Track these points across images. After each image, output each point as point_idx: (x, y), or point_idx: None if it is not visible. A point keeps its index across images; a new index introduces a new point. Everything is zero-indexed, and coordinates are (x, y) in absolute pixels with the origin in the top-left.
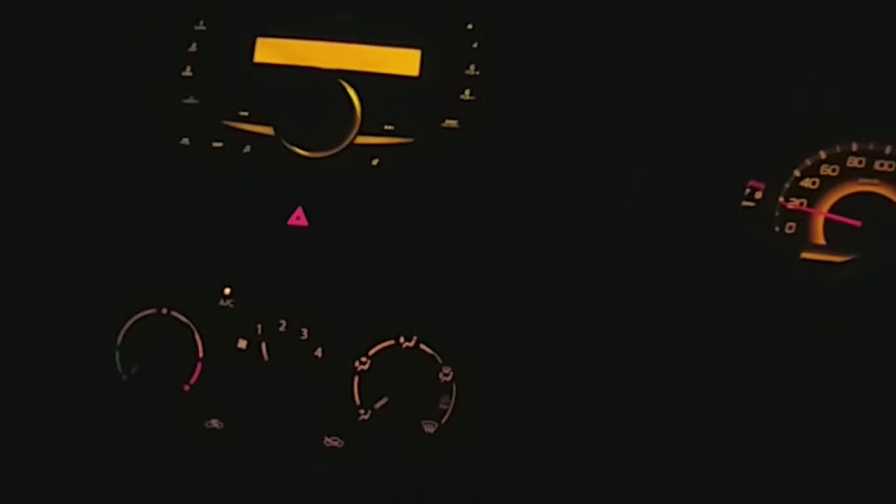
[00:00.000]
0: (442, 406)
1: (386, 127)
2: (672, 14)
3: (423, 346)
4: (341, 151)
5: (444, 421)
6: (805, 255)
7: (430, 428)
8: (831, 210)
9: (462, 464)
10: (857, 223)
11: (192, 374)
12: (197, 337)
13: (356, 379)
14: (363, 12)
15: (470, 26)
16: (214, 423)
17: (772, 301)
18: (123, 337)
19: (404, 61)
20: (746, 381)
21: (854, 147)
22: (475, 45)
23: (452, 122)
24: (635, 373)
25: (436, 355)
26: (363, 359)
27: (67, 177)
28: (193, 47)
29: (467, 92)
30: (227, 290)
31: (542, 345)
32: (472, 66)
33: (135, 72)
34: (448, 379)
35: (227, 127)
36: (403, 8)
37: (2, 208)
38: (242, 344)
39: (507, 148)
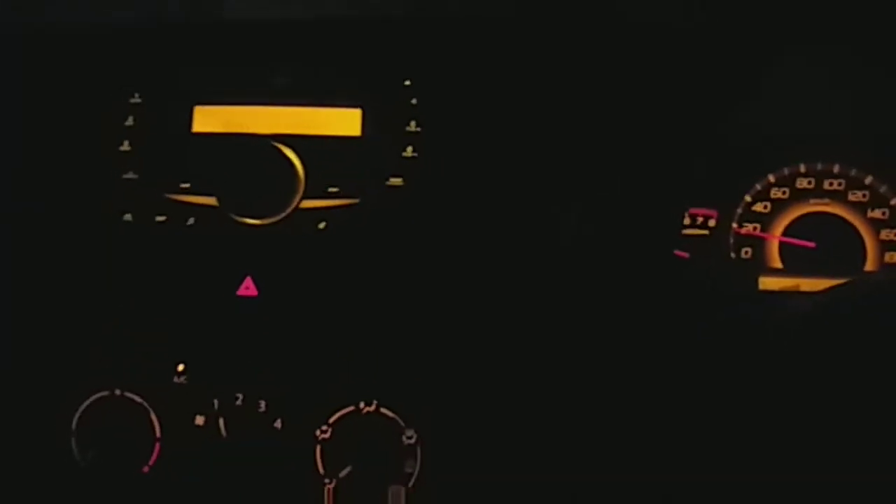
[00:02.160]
0: (407, 469)
1: (330, 189)
2: (611, 49)
3: (383, 410)
4: (287, 217)
5: (410, 484)
6: (763, 280)
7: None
8: (785, 232)
9: None
10: (812, 244)
11: (150, 455)
12: (153, 416)
13: (318, 448)
14: (300, 74)
15: (408, 83)
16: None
17: (731, 329)
18: (78, 421)
19: (345, 121)
20: (713, 408)
21: (802, 168)
22: (414, 101)
23: (397, 180)
24: (600, 424)
25: (397, 418)
26: (324, 427)
27: (11, 260)
28: (130, 121)
29: (409, 149)
30: (181, 367)
31: (503, 401)
32: (413, 123)
33: (72, 149)
34: (412, 441)
35: (170, 200)
36: (341, 68)
37: None
38: (200, 420)
39: (453, 203)
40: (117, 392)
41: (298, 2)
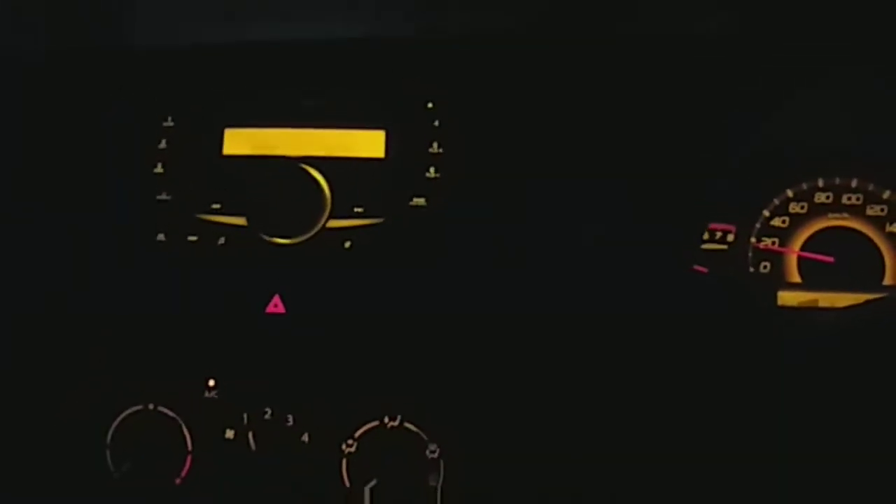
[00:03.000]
0: (431, 483)
1: (356, 209)
2: (631, 67)
3: (407, 425)
4: (314, 236)
5: (435, 498)
6: (782, 294)
7: None
8: (804, 247)
9: None
10: (830, 259)
11: (182, 467)
12: (185, 430)
13: (344, 462)
14: (327, 97)
15: (430, 105)
16: None
17: (750, 343)
18: (113, 435)
19: (369, 143)
20: (731, 424)
21: (820, 183)
22: (436, 123)
23: (420, 201)
24: (621, 432)
25: (421, 433)
26: (350, 441)
27: (46, 280)
28: (163, 143)
29: (432, 170)
30: (212, 382)
31: (525, 416)
32: (436, 144)
33: (107, 171)
34: (435, 455)
35: (201, 220)
36: (366, 91)
37: None
38: (230, 434)
39: (476, 222)
40: (151, 406)
41: (324, 26)
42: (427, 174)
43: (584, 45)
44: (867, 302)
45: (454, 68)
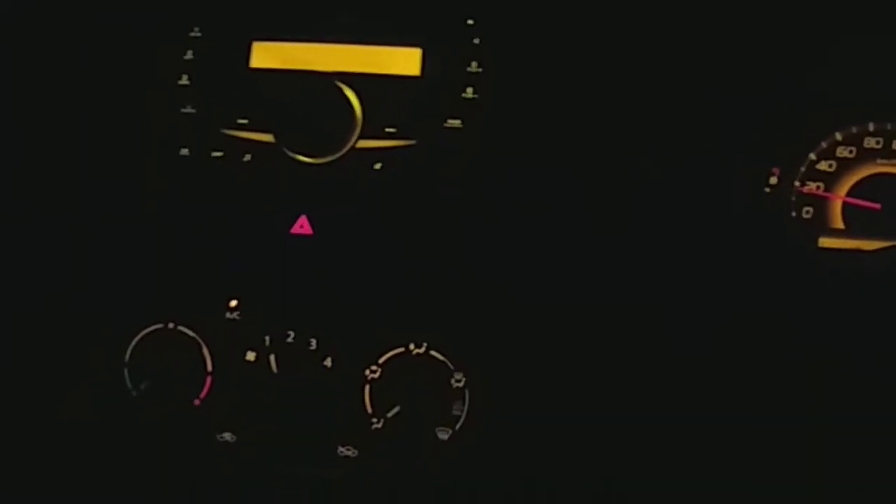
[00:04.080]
0: (455, 412)
1: (387, 129)
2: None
3: (433, 353)
4: (343, 156)
5: (457, 427)
6: (824, 241)
7: (443, 435)
8: (849, 193)
9: (477, 470)
10: (877, 206)
11: (201, 389)
12: (205, 350)
13: (367, 388)
14: (361, 12)
15: (470, 22)
16: (227, 436)
17: (790, 288)
18: (131, 353)
19: (405, 61)
20: (764, 371)
21: (871, 127)
22: (476, 41)
23: (456, 122)
24: (652, 369)
25: (447, 361)
26: (373, 367)
27: (67, 191)
28: (189, 55)
29: (470, 90)
30: (234, 303)
31: (552, 345)
32: (475, 63)
33: (131, 82)
34: (460, 385)
35: (227, 135)
36: (402, 6)
37: (4, 225)
38: (251, 356)
39: (513, 146)
40: (170, 325)
41: None
42: (464, 94)
43: None
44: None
45: None
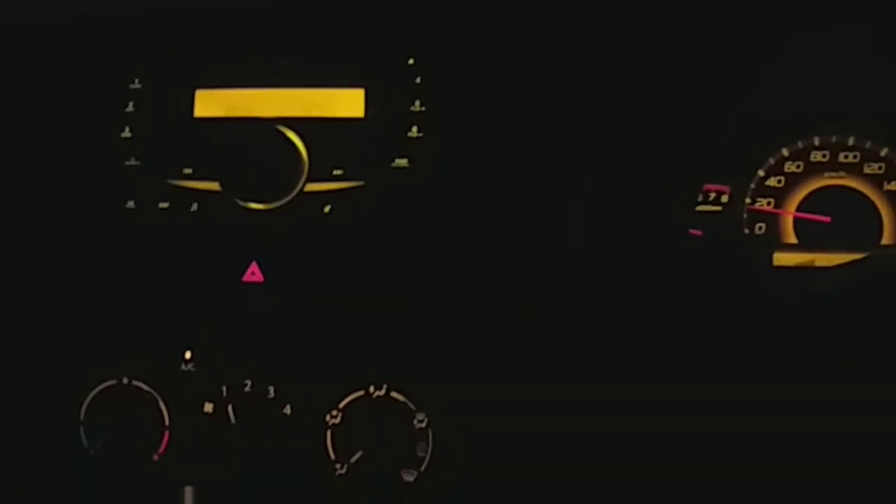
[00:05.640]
0: (419, 453)
1: (335, 172)
2: (621, 21)
3: (393, 394)
4: (291, 201)
5: (423, 469)
6: (778, 256)
7: (409, 477)
8: (800, 206)
9: None
10: (827, 219)
11: (160, 443)
12: (162, 404)
13: (329, 433)
14: (302, 55)
15: (411, 61)
16: (188, 490)
17: (746, 305)
18: (87, 410)
19: (348, 102)
20: (727, 386)
21: (816, 141)
22: (418, 80)
23: (402, 161)
24: (613, 407)
25: (408, 402)
26: (334, 412)
27: (13, 251)
28: (130, 107)
29: (414, 129)
30: (188, 354)
31: (514, 382)
32: (417, 102)
33: (73, 136)
34: (423, 425)
35: (173, 186)
36: (343, 47)
37: None
38: (209, 408)
39: (460, 183)
40: (125, 381)
41: None
42: (409, 134)
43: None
44: (864, 259)
45: (435, 22)
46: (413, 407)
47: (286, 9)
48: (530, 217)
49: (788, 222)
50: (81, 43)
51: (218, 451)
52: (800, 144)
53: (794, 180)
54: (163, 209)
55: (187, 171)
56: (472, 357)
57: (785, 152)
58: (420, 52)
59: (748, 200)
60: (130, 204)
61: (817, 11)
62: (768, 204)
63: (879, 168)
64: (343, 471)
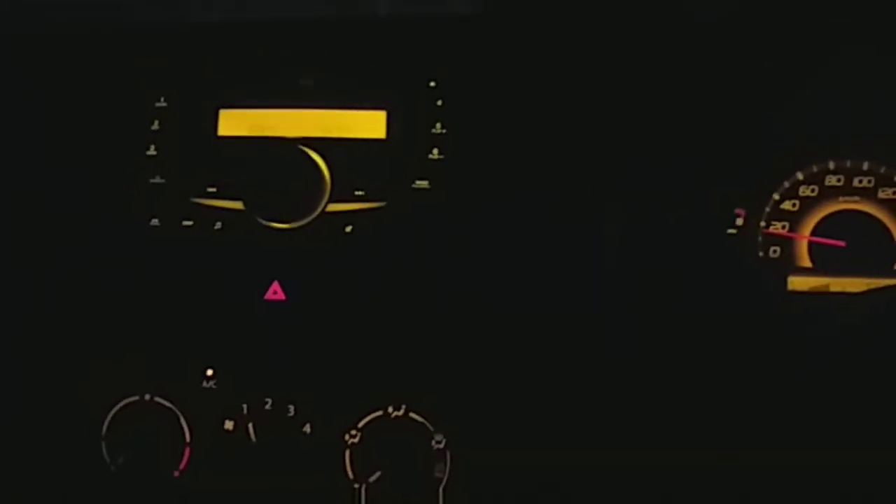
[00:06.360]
0: (437, 474)
1: (356, 192)
2: (640, 48)
3: (412, 415)
4: (313, 221)
5: (440, 489)
6: (792, 280)
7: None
8: (814, 231)
9: None
10: (842, 243)
11: (180, 460)
12: (183, 421)
13: (347, 453)
14: (325, 76)
15: (433, 84)
16: None
17: (760, 329)
18: (108, 426)
19: (370, 124)
20: (740, 411)
21: (831, 166)
22: (439, 102)
23: (423, 183)
24: (630, 422)
25: (426, 423)
26: (353, 431)
27: (39, 266)
28: (156, 125)
29: (435, 151)
30: (210, 372)
31: (533, 402)
32: (439, 125)
33: (99, 155)
34: (441, 446)
35: (196, 204)
36: (365, 69)
37: None
38: (229, 425)
39: (481, 205)
40: (147, 397)
41: (323, 3)
42: (430, 156)
43: (594, 25)
44: (881, 288)
45: (457, 46)
46: (431, 428)
47: (310, 30)
48: (551, 239)
49: (803, 246)
50: (109, 61)
51: (238, 468)
52: (815, 168)
53: (808, 204)
54: (187, 227)
55: (211, 189)
56: (491, 379)
57: (800, 176)
58: (441, 75)
59: (763, 224)
60: (155, 222)
61: (834, 37)
62: (783, 227)
63: (894, 193)
64: (361, 490)
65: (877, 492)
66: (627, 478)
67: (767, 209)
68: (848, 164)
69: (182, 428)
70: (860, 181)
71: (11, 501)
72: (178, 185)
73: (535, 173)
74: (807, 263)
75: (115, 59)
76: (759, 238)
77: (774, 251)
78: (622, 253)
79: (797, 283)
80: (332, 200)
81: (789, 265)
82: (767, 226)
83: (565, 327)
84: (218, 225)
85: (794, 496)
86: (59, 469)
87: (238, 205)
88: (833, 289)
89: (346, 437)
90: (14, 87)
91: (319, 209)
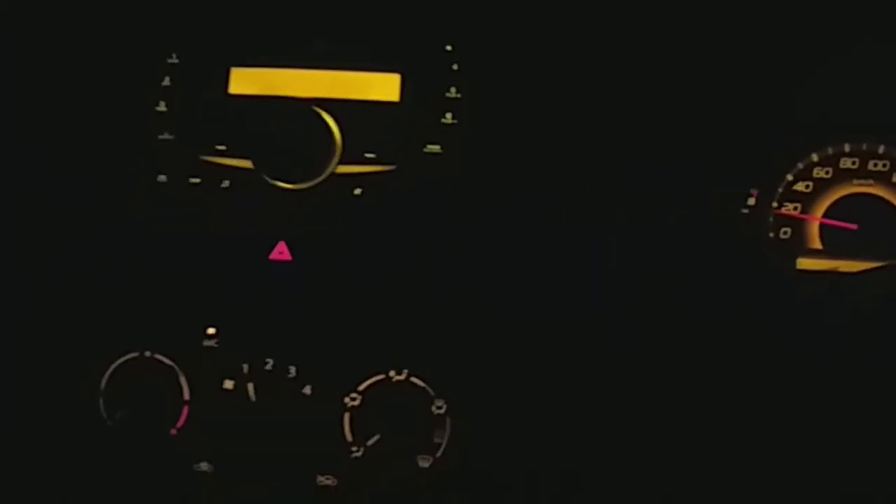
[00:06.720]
0: (436, 440)
1: (367, 155)
2: (658, 24)
3: (413, 379)
4: (322, 182)
5: (438, 455)
6: (802, 261)
7: (424, 462)
8: (827, 213)
9: (459, 498)
10: (854, 226)
11: (178, 418)
12: (182, 379)
13: (347, 415)
14: (340, 38)
15: (449, 48)
16: (204, 466)
17: (769, 309)
18: (107, 382)
19: (383, 86)
20: (748, 392)
21: (847, 148)
22: (455, 66)
23: (435, 147)
24: (632, 393)
25: (427, 388)
26: (353, 395)
27: (42, 219)
28: (167, 81)
29: (448, 115)
30: (211, 330)
31: (535, 370)
32: (453, 89)
33: (108, 109)
34: (441, 411)
35: (205, 162)
36: (381, 32)
37: None
38: (229, 384)
39: (492, 171)
40: (147, 354)
41: None
42: (443, 120)
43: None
44: (888, 265)
45: (473, 9)
46: (432, 393)
47: None
48: (561, 210)
49: (814, 228)
50: (122, 15)
51: (236, 428)
52: (830, 150)
53: (822, 186)
54: (194, 184)
55: (220, 147)
56: (493, 346)
57: (815, 157)
58: (458, 39)
59: (775, 204)
60: (162, 178)
61: (853, 19)
62: (795, 209)
63: None
64: (359, 453)
65: (883, 468)
66: (631, 450)
67: (780, 189)
68: (864, 146)
69: (181, 386)
70: (875, 164)
71: (7, 454)
72: (187, 142)
73: (548, 141)
74: (817, 245)
75: (128, 14)
76: (771, 218)
77: (785, 232)
78: (634, 227)
79: (807, 264)
80: (341, 162)
81: (800, 246)
82: (780, 206)
83: (573, 298)
84: (226, 183)
85: (798, 468)
86: (56, 423)
87: (247, 163)
88: (842, 271)
89: (347, 399)
90: (24, 39)
91: (329, 171)
